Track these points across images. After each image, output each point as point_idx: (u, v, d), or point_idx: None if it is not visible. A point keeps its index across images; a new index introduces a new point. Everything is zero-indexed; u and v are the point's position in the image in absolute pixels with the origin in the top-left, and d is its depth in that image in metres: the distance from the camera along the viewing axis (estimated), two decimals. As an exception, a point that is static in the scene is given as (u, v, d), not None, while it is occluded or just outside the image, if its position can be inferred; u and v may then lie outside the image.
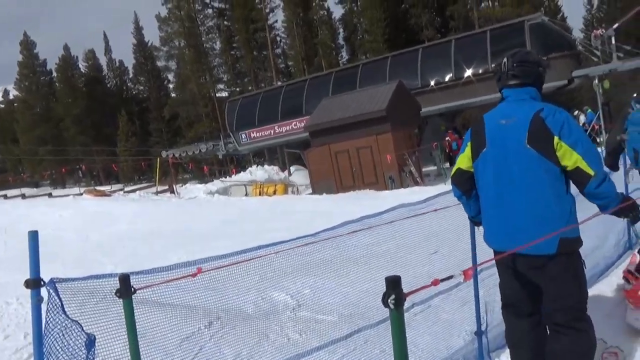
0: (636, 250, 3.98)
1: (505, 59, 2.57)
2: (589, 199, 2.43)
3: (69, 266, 7.31)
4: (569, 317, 2.42)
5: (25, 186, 40.81)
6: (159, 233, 9.92)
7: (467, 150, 2.66)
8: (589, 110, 21.00)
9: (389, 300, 1.39)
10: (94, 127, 49.05)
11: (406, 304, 1.48)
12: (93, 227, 11.61)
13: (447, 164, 19.21)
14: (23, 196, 26.04)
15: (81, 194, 17.50)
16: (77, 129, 48.19)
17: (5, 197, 25.85)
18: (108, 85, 55.12)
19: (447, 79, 22.66)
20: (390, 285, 1.37)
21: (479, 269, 3.24)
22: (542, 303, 2.52)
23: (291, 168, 33.11)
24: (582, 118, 20.73)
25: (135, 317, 2.11)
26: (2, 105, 60.45)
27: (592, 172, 2.32)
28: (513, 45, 20.23)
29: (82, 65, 53.93)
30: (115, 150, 46.40)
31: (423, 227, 3.01)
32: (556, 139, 2.32)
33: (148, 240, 9.07)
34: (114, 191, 22.14)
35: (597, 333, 2.71)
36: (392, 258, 3.15)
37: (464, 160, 2.69)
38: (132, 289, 1.95)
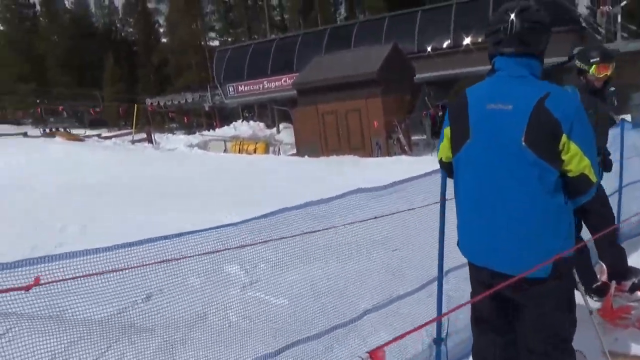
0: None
1: (511, 16, 1.85)
2: (575, 206, 1.95)
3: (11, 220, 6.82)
4: (549, 346, 1.96)
5: (6, 123, 39.42)
6: (121, 186, 9.40)
7: (446, 140, 2.10)
8: None
9: None
10: (79, 69, 47.13)
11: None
12: (57, 173, 11.07)
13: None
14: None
15: (53, 136, 16.76)
16: (61, 69, 46.20)
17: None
18: (95, 25, 52.76)
19: (444, 45, 21.79)
20: None
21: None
22: (519, 323, 2.05)
23: (280, 125, 32.34)
24: None
25: None
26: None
27: (595, 180, 1.83)
28: (516, 14, 19.37)
29: (67, 1, 51.43)
30: (100, 94, 44.82)
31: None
32: (564, 137, 1.76)
33: (106, 194, 8.55)
34: (89, 136, 21.32)
35: (575, 345, 2.28)
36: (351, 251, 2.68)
37: (443, 150, 2.15)
38: None
